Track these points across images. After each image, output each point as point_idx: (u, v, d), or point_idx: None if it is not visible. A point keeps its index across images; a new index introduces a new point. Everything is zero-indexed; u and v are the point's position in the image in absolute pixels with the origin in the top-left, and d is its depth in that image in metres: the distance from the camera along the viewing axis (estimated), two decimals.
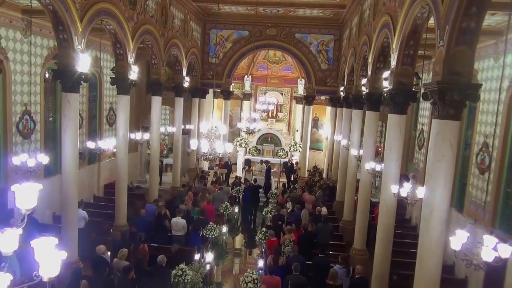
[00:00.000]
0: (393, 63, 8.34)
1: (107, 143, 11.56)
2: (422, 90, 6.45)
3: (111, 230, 11.60)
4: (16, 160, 8.98)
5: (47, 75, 12.42)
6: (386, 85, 8.68)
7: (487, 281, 8.60)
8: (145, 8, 12.23)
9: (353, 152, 12.74)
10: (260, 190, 17.27)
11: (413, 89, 8.29)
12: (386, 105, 9.06)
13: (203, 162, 18.38)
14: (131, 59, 11.34)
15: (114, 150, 12.10)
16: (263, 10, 17.23)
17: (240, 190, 16.51)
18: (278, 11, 17.42)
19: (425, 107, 13.85)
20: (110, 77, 11.98)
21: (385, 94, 8.67)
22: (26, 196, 2.86)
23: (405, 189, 7.58)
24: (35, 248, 2.74)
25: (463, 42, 5.39)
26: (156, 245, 10.24)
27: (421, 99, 7.64)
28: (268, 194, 17.27)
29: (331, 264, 8.75)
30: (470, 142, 10.72)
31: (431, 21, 6.39)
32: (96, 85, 15.36)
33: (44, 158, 9.25)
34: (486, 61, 10.08)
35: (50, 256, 2.76)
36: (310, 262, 9.11)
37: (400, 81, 8.13)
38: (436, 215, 5.81)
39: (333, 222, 12.94)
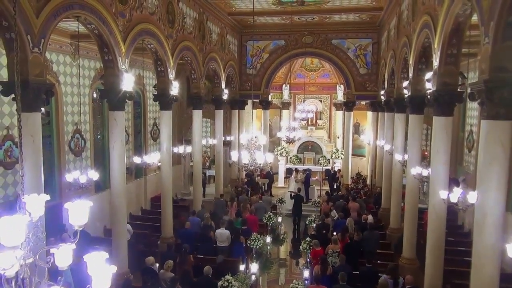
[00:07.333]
0: (435, 63, 8.05)
1: (152, 158, 11.98)
2: (469, 90, 6.17)
3: (158, 242, 11.92)
4: (69, 177, 9.52)
5: (94, 95, 13.11)
6: (429, 86, 8.38)
7: None
8: (183, 25, 12.63)
9: (398, 157, 12.35)
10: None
11: (458, 89, 7.96)
12: (430, 107, 8.74)
13: (244, 172, 18.50)
14: (171, 75, 11.72)
15: (159, 164, 12.48)
16: (298, 18, 17.25)
17: (283, 199, 16.48)
18: (314, 18, 17.37)
19: (473, 107, 13.19)
20: (153, 94, 12.45)
21: (428, 96, 8.38)
22: (78, 213, 3.02)
23: (455, 194, 7.23)
24: (88, 262, 2.87)
25: (510, 37, 5.11)
26: (202, 256, 10.40)
27: (467, 99, 7.30)
28: (310, 203, 17.08)
29: (379, 274, 8.48)
30: None
31: (475, 17, 6.13)
32: (140, 102, 16.00)
33: (94, 175, 9.74)
34: None
35: (102, 270, 2.88)
36: (357, 272, 8.89)
37: (444, 82, 7.83)
38: (490, 220, 5.50)
39: (380, 230, 12.55)
